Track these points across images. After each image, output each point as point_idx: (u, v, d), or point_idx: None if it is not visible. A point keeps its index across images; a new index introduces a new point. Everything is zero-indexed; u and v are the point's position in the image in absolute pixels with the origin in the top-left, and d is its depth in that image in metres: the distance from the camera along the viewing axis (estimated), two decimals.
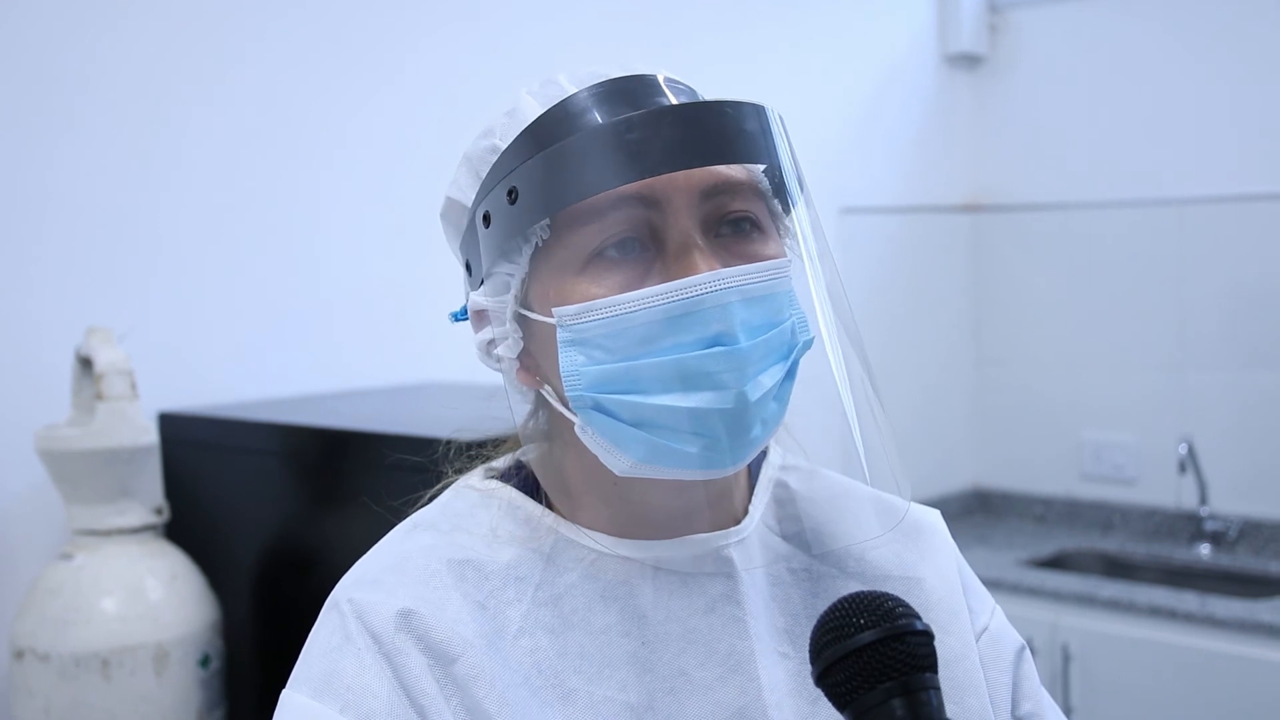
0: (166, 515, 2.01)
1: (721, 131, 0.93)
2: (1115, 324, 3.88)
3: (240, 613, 2.06)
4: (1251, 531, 3.61)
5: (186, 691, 1.91)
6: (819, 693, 1.01)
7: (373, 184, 2.57)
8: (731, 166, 0.96)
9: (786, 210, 1.01)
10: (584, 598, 1.00)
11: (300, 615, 1.96)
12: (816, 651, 0.87)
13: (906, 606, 0.86)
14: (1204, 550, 3.61)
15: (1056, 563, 3.66)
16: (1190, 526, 3.71)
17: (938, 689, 0.84)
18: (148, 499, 1.98)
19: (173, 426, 2.12)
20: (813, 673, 0.87)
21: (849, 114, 3.75)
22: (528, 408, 1.07)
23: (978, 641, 1.10)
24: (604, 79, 0.99)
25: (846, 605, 0.87)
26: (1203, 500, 3.65)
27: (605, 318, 0.92)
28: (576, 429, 0.96)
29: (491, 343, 1.02)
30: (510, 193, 0.95)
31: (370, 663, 0.93)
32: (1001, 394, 4.17)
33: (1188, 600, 3.12)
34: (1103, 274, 3.89)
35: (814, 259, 0.98)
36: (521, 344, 1.00)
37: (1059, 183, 3.99)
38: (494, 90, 2.67)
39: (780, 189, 1.00)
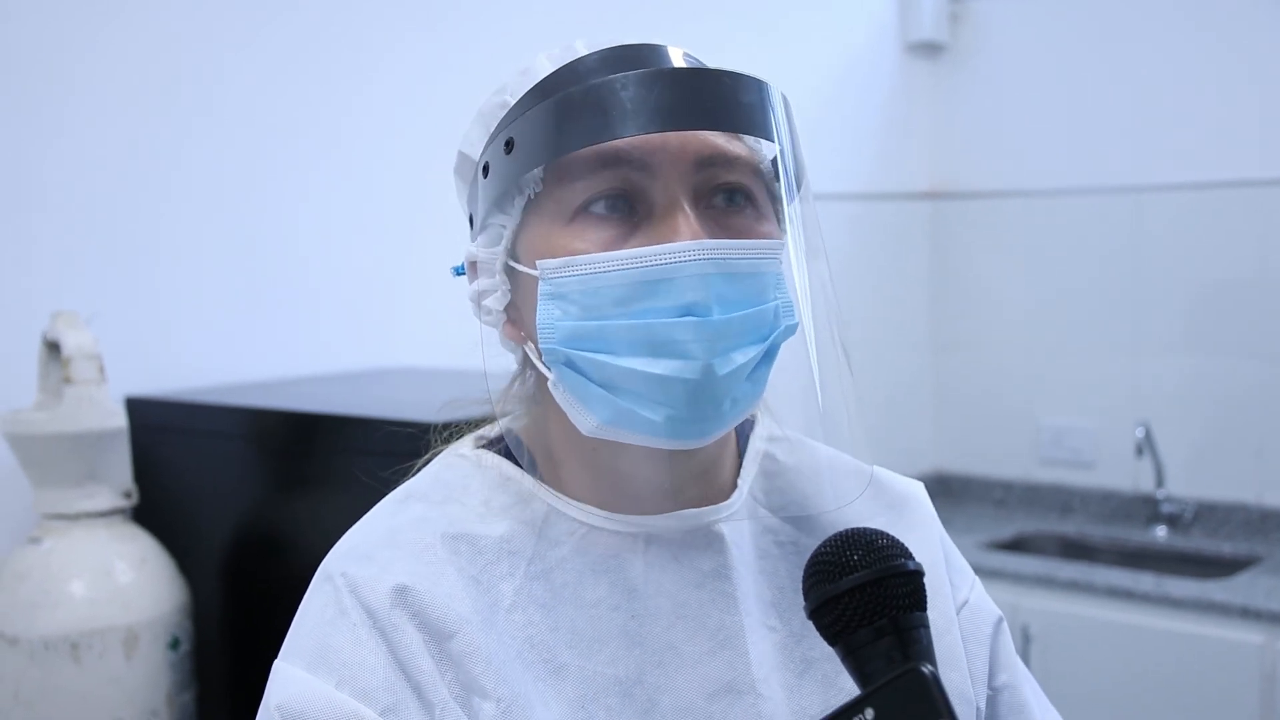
0: (135, 499, 2.01)
1: (718, 99, 0.92)
2: (1073, 310, 3.92)
3: (209, 595, 2.06)
4: (1206, 513, 3.66)
5: (156, 674, 1.92)
6: (806, 664, 1.00)
7: (344, 171, 2.57)
8: (730, 141, 0.95)
9: (789, 197, 0.98)
10: (575, 571, 0.99)
11: (269, 598, 1.98)
12: (808, 589, 0.86)
13: (898, 545, 0.87)
14: (1160, 532, 3.67)
15: (1016, 545, 3.71)
16: (1147, 509, 3.76)
17: (927, 627, 0.84)
18: (116, 483, 1.98)
19: (141, 410, 2.11)
20: (805, 608, 0.87)
21: (810, 102, 3.75)
22: (515, 369, 1.07)
23: (958, 615, 1.10)
24: (616, 45, 0.99)
25: (840, 541, 0.87)
26: (1159, 483, 3.70)
27: (583, 274, 0.91)
28: (549, 384, 0.96)
29: (483, 294, 1.01)
30: (508, 143, 0.95)
31: (366, 638, 0.92)
32: (961, 379, 4.20)
33: (1144, 581, 3.16)
34: (1060, 260, 3.93)
35: (810, 247, 0.98)
36: (509, 297, 1.00)
37: (1017, 170, 4.03)
38: (457, 86, 2.71)
39: (781, 173, 0.97)
